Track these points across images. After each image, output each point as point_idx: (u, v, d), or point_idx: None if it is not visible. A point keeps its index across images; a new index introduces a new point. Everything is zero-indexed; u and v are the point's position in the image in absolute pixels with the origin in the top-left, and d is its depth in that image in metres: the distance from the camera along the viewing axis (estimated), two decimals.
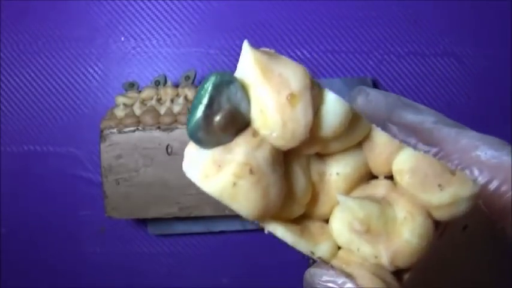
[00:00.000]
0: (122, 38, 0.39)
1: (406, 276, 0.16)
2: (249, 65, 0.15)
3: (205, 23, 0.38)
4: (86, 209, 0.39)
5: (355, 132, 0.16)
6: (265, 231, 0.16)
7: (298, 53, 0.38)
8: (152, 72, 0.39)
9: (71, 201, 0.39)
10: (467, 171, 0.20)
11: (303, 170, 0.17)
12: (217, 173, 0.15)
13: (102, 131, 0.33)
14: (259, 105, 0.15)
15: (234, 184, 0.15)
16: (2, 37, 0.38)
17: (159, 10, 0.38)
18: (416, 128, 0.21)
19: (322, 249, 0.16)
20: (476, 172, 0.20)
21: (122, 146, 0.33)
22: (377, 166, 0.17)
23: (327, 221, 0.17)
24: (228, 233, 0.39)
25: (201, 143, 0.15)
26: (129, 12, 0.38)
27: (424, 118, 0.22)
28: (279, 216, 0.16)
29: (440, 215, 0.16)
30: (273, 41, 0.38)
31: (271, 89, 0.15)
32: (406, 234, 0.16)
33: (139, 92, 0.35)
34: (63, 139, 0.39)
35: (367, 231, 0.16)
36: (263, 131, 0.15)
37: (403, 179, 0.16)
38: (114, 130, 0.33)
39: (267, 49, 0.16)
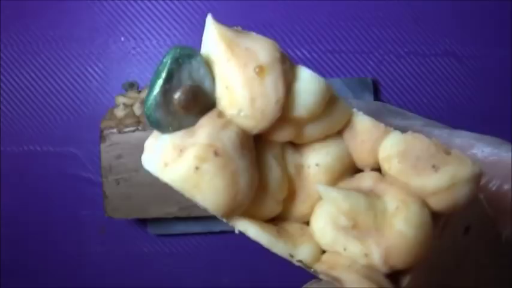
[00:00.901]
0: (122, 38, 0.39)
1: (404, 282, 0.14)
2: (213, 40, 0.13)
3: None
4: (86, 209, 0.39)
5: (333, 116, 0.14)
6: (236, 231, 0.14)
7: (298, 53, 0.38)
8: (152, 72, 0.39)
9: (71, 201, 0.39)
10: None
11: (277, 160, 0.15)
12: (178, 159, 0.13)
13: (102, 131, 0.33)
14: (225, 82, 0.13)
15: (197, 169, 0.13)
16: (2, 37, 0.38)
17: (159, 10, 0.38)
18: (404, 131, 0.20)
19: (303, 252, 0.14)
20: None
21: (122, 146, 0.33)
22: (361, 157, 0.15)
23: (307, 223, 0.15)
24: (228, 233, 0.39)
25: (160, 125, 0.13)
26: (129, 12, 0.38)
27: (412, 122, 0.20)
28: (251, 214, 0.14)
29: (438, 203, 0.14)
30: None
31: (237, 63, 0.13)
32: (400, 224, 0.13)
33: (139, 92, 0.35)
34: (63, 139, 0.39)
35: (355, 226, 0.14)
36: (230, 111, 0.13)
37: (392, 165, 0.14)
38: (114, 130, 0.33)
39: (234, 27, 0.14)
